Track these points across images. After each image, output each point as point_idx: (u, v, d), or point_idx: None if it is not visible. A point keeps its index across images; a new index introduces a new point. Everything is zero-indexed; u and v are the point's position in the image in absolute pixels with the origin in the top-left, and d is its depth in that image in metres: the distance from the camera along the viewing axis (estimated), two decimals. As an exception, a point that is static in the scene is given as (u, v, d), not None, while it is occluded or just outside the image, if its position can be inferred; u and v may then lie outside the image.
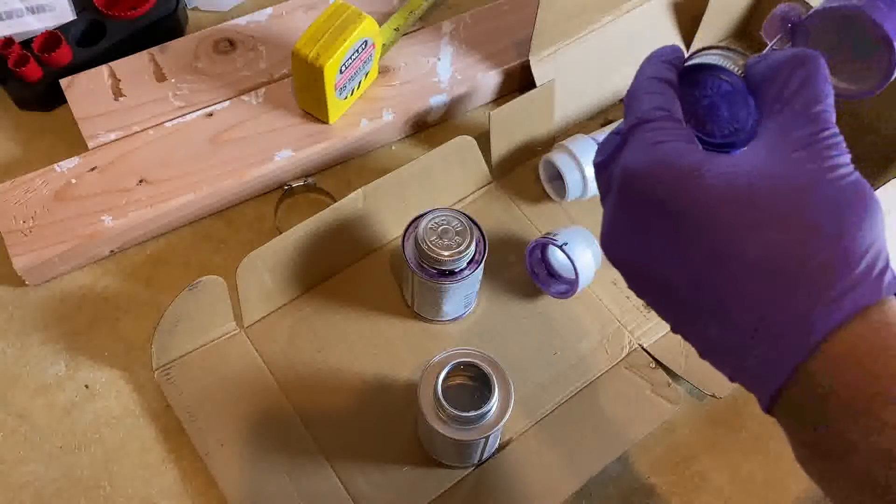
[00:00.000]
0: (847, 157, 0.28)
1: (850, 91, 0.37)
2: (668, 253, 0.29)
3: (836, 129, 0.28)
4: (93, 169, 0.58)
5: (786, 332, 0.27)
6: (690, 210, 0.28)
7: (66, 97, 0.61)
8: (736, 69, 0.32)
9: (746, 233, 0.27)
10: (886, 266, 0.26)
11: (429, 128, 0.65)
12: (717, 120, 0.34)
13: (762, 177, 0.27)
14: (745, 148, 0.31)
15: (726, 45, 0.34)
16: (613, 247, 0.32)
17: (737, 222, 0.27)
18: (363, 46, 0.58)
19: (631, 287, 0.33)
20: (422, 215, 0.50)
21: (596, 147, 0.57)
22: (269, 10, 0.67)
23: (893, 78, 0.35)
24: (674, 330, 0.32)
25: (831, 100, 0.29)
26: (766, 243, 0.26)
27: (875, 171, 0.60)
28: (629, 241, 0.31)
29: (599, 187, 0.34)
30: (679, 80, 0.33)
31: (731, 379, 0.30)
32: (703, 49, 0.34)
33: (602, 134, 0.59)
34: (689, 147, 0.29)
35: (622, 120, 0.34)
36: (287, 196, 0.61)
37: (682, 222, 0.28)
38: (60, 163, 0.58)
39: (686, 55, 0.34)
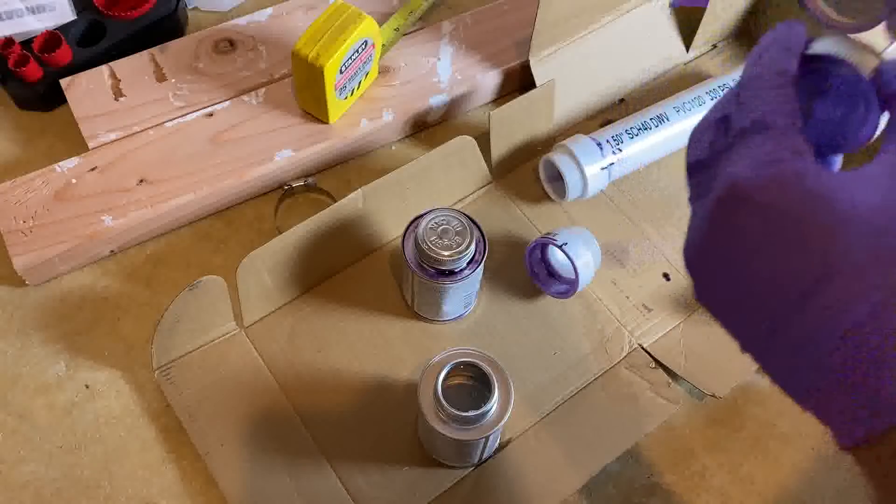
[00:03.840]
0: None
1: (848, 25, 0.33)
2: (775, 271, 0.27)
3: None
4: (93, 169, 0.58)
5: None
6: (814, 236, 0.26)
7: (67, 97, 0.61)
8: (865, 70, 0.29)
9: (869, 269, 0.25)
10: None
11: (429, 128, 0.65)
12: (828, 120, 0.31)
13: (893, 208, 0.26)
14: (871, 166, 0.27)
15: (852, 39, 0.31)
16: (702, 254, 0.30)
17: (862, 256, 0.25)
18: (363, 46, 0.58)
19: (703, 296, 0.31)
20: (422, 215, 0.50)
21: (596, 147, 0.58)
22: (269, 11, 0.67)
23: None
24: (743, 348, 0.30)
25: None
26: (890, 283, 0.25)
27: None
28: (726, 252, 0.29)
29: (692, 186, 0.32)
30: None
31: (805, 408, 0.29)
32: (828, 36, 0.30)
33: (602, 134, 0.59)
34: (813, 168, 0.27)
35: (724, 97, 0.31)
36: (287, 196, 0.61)
37: (800, 246, 0.26)
38: (60, 163, 0.58)
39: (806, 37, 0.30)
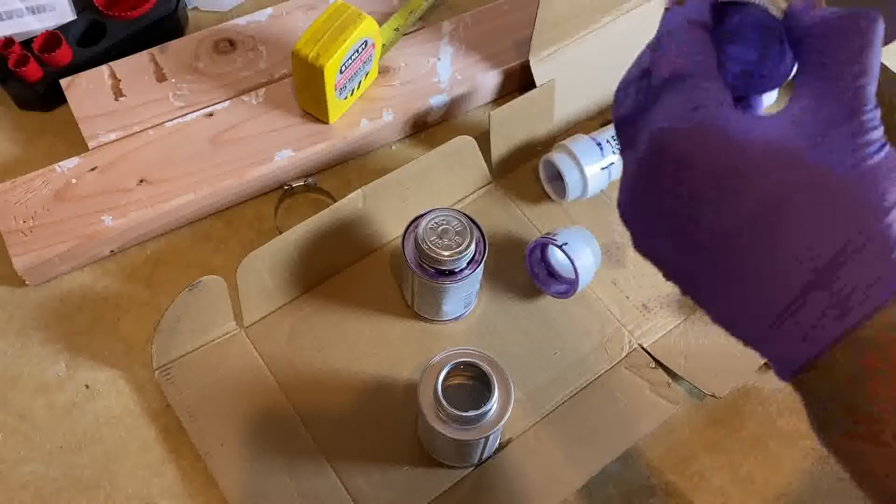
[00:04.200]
0: (881, 132, 0.27)
1: None
2: (700, 218, 0.28)
3: (875, 102, 0.28)
4: (93, 169, 0.58)
5: (834, 302, 0.26)
6: (734, 179, 0.27)
7: (67, 97, 0.61)
8: (775, 11, 0.30)
9: (792, 209, 0.27)
10: None
11: (429, 128, 0.65)
12: (744, 62, 0.32)
13: (807, 146, 0.27)
14: (785, 108, 0.29)
15: None
16: (633, 206, 0.31)
17: (782, 197, 0.27)
18: (363, 46, 0.58)
19: (641, 246, 0.32)
20: (422, 215, 0.50)
21: (596, 147, 0.58)
22: (269, 11, 0.67)
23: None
24: (684, 293, 0.31)
25: (878, 69, 0.28)
26: (815, 219, 0.26)
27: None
28: (655, 203, 0.30)
29: (620, 140, 0.32)
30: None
31: (748, 345, 0.30)
32: None
33: (602, 134, 0.59)
34: (732, 112, 0.28)
35: (640, 57, 0.32)
36: (287, 196, 0.61)
37: (722, 190, 0.27)
38: (60, 163, 0.58)
39: None
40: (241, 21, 0.66)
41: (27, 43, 0.63)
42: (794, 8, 0.29)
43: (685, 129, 0.28)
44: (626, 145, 0.32)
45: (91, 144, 0.59)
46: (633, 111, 0.31)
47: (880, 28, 0.28)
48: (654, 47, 0.31)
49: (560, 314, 0.56)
